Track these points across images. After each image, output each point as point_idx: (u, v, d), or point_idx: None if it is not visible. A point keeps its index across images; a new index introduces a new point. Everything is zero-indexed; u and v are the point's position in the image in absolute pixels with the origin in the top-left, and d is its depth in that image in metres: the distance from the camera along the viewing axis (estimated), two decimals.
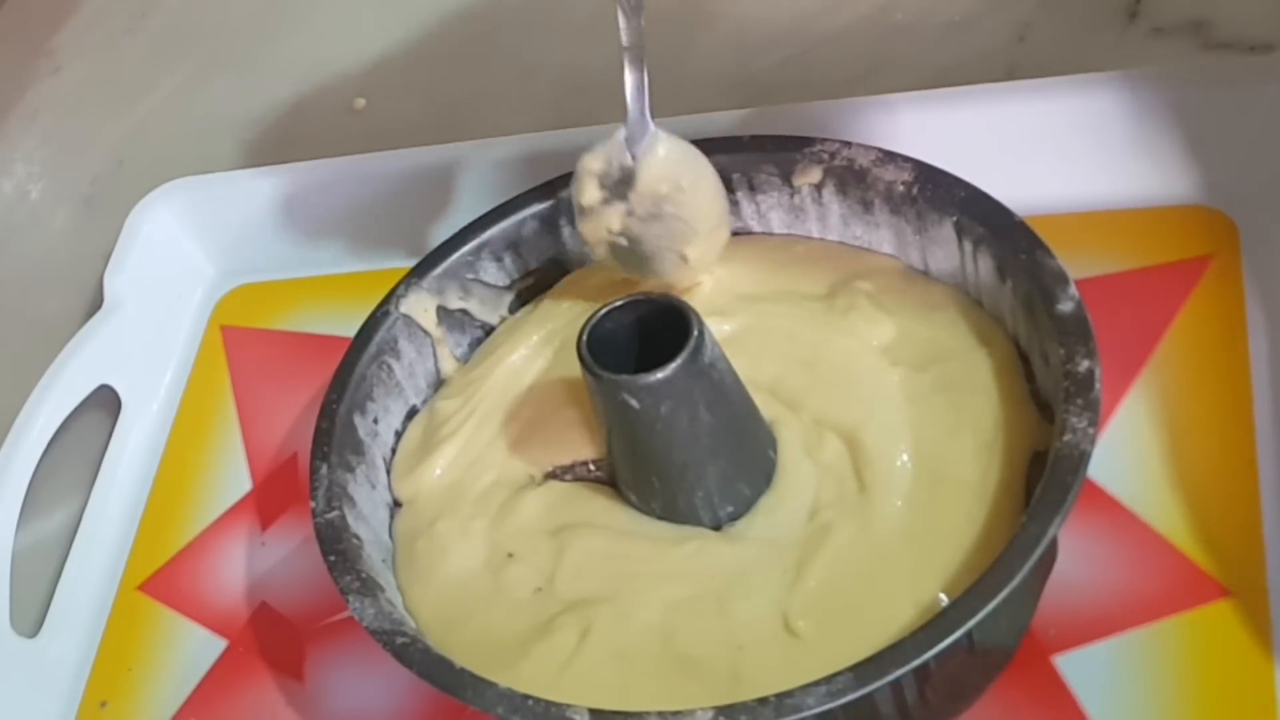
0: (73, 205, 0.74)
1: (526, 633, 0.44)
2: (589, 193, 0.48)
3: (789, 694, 0.37)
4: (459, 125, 0.66)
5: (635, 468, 0.45)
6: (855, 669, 0.37)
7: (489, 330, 0.53)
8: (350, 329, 0.50)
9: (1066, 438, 0.40)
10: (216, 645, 0.53)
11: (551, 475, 0.48)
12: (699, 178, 0.47)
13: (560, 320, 0.51)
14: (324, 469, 0.47)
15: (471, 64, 0.70)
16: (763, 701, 0.37)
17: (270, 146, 0.71)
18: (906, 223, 0.48)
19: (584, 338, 0.42)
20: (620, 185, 0.47)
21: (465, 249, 0.52)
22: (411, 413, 0.51)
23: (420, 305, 0.51)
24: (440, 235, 0.52)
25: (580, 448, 0.48)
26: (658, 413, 0.42)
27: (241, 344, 0.63)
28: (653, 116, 0.47)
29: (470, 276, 0.52)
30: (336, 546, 0.45)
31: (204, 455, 0.59)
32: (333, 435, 0.48)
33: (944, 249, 0.48)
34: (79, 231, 0.72)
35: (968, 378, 0.46)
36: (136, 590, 0.56)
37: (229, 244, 0.65)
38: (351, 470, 0.48)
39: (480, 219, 0.52)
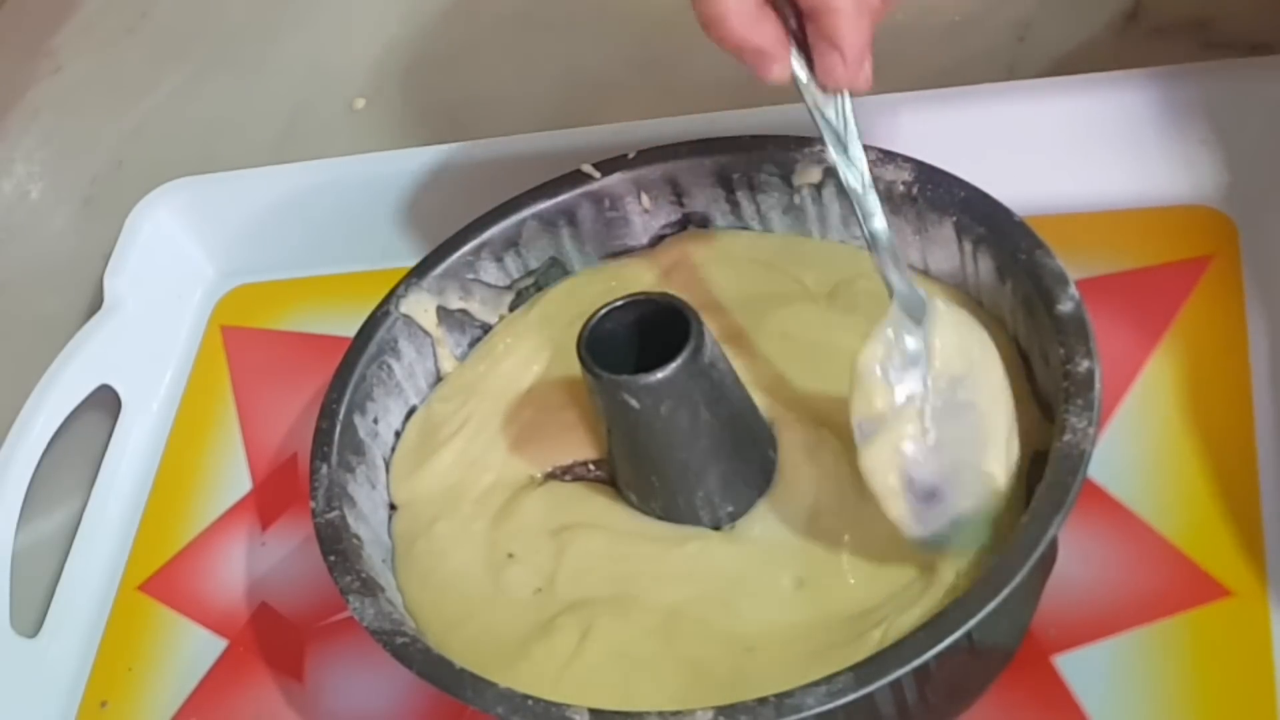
0: (73, 205, 0.74)
1: (527, 633, 0.44)
2: (880, 393, 0.40)
3: (789, 694, 0.37)
4: (459, 125, 0.66)
5: (636, 468, 0.45)
6: (855, 669, 0.37)
7: (488, 329, 0.53)
8: (350, 329, 0.50)
9: (1066, 438, 0.40)
10: (216, 645, 0.53)
11: (551, 476, 0.48)
12: (985, 347, 0.42)
13: (559, 321, 0.51)
14: (324, 469, 0.47)
15: (471, 64, 0.70)
16: (762, 701, 0.37)
17: (270, 146, 0.70)
18: (906, 222, 0.48)
19: (584, 338, 0.42)
20: (906, 376, 0.40)
21: (465, 249, 0.52)
22: (411, 412, 0.51)
23: (420, 305, 0.51)
24: (440, 235, 0.52)
25: (580, 448, 0.48)
26: (658, 413, 0.42)
27: (241, 344, 0.63)
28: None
29: (470, 276, 0.52)
30: (336, 546, 0.45)
31: (204, 455, 0.59)
32: (333, 435, 0.48)
33: (944, 249, 0.48)
34: (79, 231, 0.72)
35: (961, 374, 0.46)
36: (136, 590, 0.56)
37: (229, 244, 0.65)
38: (351, 470, 0.48)
39: (480, 219, 0.52)
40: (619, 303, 0.43)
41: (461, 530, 0.47)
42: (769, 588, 0.43)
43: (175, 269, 0.64)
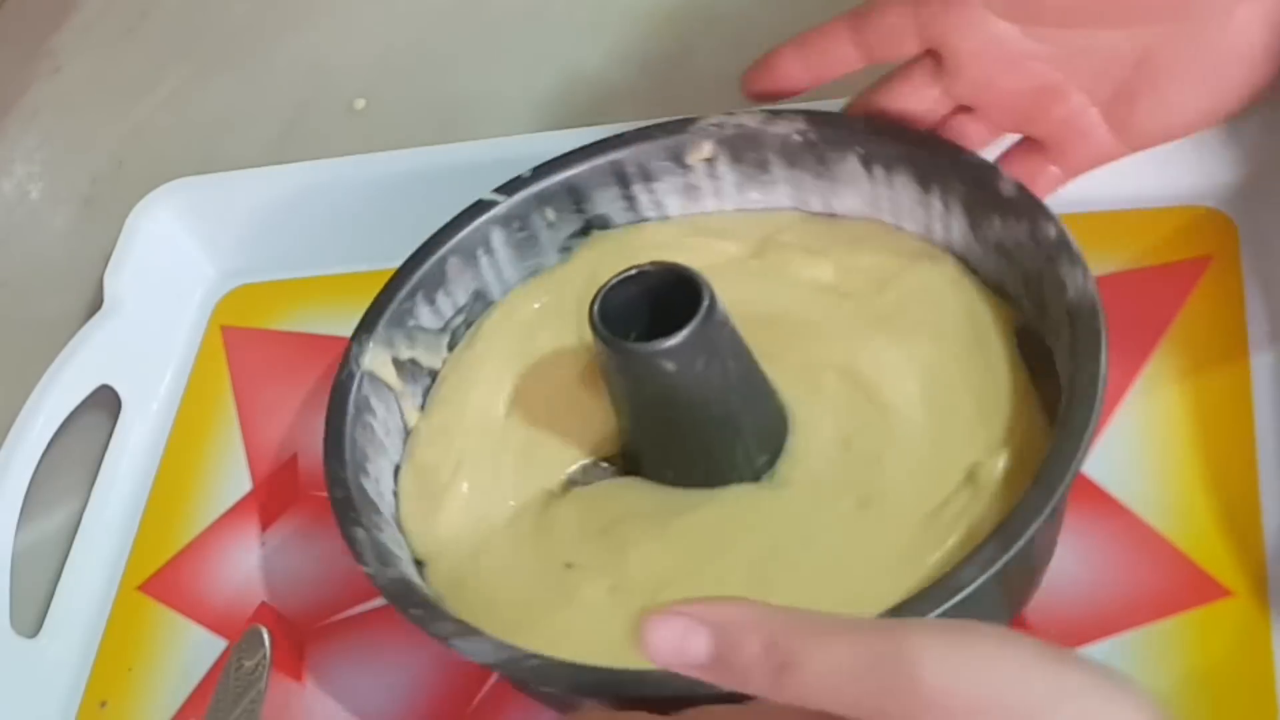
0: (73, 205, 0.74)
1: (624, 631, 0.42)
2: None
3: (950, 575, 0.37)
4: (459, 125, 0.66)
5: (672, 438, 0.45)
6: (995, 536, 0.38)
7: (435, 376, 0.51)
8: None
9: (1070, 294, 0.41)
10: (216, 645, 0.53)
11: (570, 484, 0.48)
12: None
13: (506, 349, 0.51)
14: (361, 533, 0.44)
15: (471, 64, 0.70)
16: (935, 586, 0.37)
17: (270, 146, 0.70)
18: (805, 171, 0.49)
19: (597, 324, 0.42)
20: None
21: (401, 295, 0.50)
22: (395, 471, 0.50)
23: (378, 360, 0.49)
24: None
25: (586, 451, 0.48)
26: (693, 370, 0.42)
27: (241, 344, 0.63)
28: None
29: (412, 323, 0.50)
30: (415, 599, 0.43)
31: (204, 455, 0.59)
32: (352, 501, 0.45)
33: (851, 185, 0.49)
34: (79, 231, 0.72)
35: (923, 287, 0.47)
36: (136, 590, 0.56)
37: (229, 244, 0.65)
38: (381, 531, 0.46)
39: (406, 263, 0.51)
40: (614, 282, 0.43)
41: (508, 558, 0.46)
42: (836, 517, 0.43)
43: (175, 269, 0.64)
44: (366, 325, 0.50)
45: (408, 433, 0.50)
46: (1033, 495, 0.38)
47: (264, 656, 0.50)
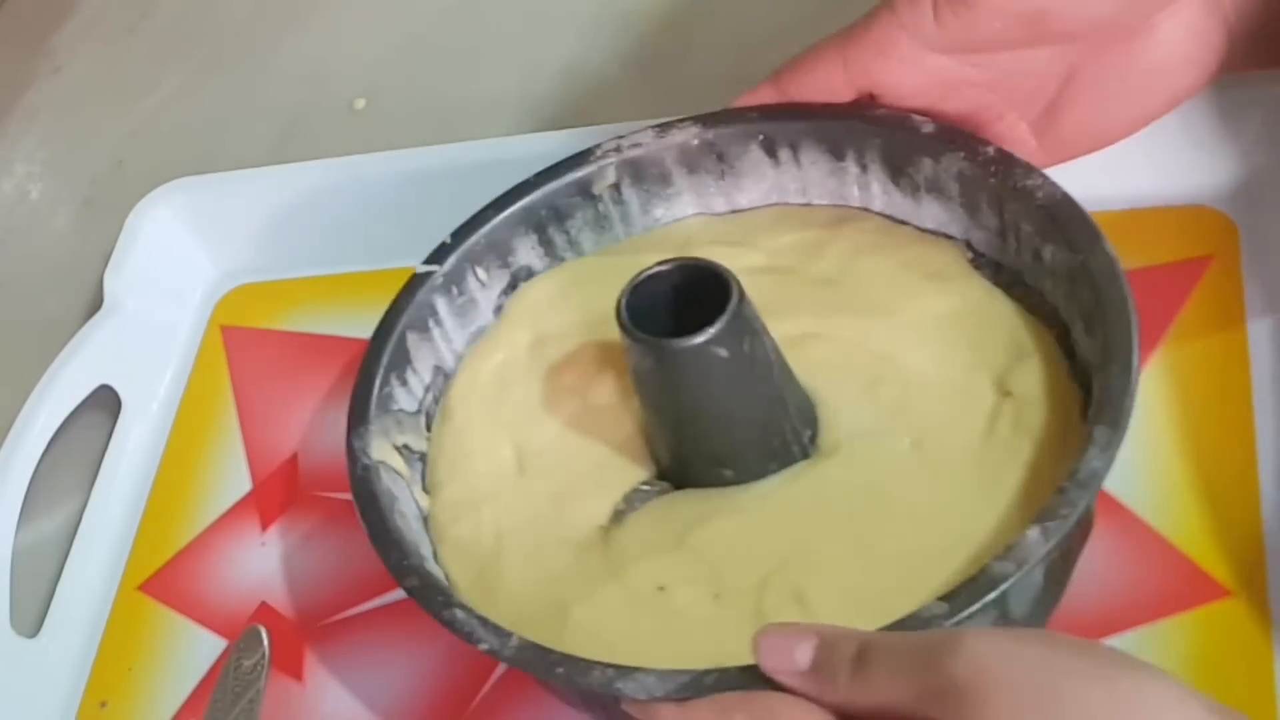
0: (73, 205, 0.74)
1: (750, 632, 0.39)
2: None
3: (1080, 468, 0.38)
4: (459, 125, 0.66)
5: (727, 431, 0.44)
6: (1101, 422, 0.38)
7: (423, 457, 0.50)
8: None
9: (1041, 198, 0.43)
10: (216, 645, 0.53)
11: (618, 514, 0.46)
12: None
13: (484, 413, 0.49)
14: (460, 613, 0.42)
15: (471, 64, 0.70)
16: (1060, 497, 0.37)
17: (270, 146, 0.70)
18: (707, 174, 0.50)
19: (636, 334, 0.41)
20: None
21: (378, 380, 0.48)
22: (434, 555, 0.47)
23: (383, 450, 0.47)
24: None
25: (622, 478, 0.46)
26: (742, 353, 0.41)
27: (241, 344, 0.63)
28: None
29: (396, 408, 0.49)
30: (552, 658, 0.40)
31: (204, 455, 0.59)
32: (435, 586, 0.43)
33: (754, 176, 0.50)
34: (79, 231, 0.72)
35: (856, 245, 0.48)
36: (136, 590, 0.56)
37: (229, 244, 0.65)
38: (457, 605, 0.43)
39: (371, 344, 0.49)
40: (625, 292, 0.42)
41: (595, 602, 0.44)
42: (900, 463, 0.43)
43: (175, 269, 0.64)
44: (359, 416, 0.47)
45: (424, 517, 0.48)
46: (1114, 373, 0.39)
47: (263, 656, 0.50)
